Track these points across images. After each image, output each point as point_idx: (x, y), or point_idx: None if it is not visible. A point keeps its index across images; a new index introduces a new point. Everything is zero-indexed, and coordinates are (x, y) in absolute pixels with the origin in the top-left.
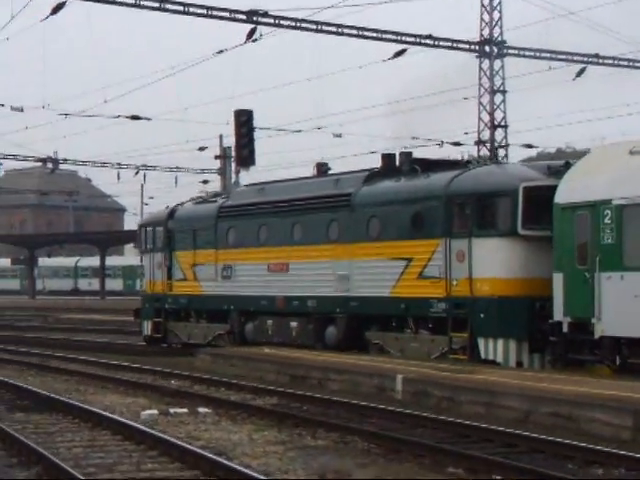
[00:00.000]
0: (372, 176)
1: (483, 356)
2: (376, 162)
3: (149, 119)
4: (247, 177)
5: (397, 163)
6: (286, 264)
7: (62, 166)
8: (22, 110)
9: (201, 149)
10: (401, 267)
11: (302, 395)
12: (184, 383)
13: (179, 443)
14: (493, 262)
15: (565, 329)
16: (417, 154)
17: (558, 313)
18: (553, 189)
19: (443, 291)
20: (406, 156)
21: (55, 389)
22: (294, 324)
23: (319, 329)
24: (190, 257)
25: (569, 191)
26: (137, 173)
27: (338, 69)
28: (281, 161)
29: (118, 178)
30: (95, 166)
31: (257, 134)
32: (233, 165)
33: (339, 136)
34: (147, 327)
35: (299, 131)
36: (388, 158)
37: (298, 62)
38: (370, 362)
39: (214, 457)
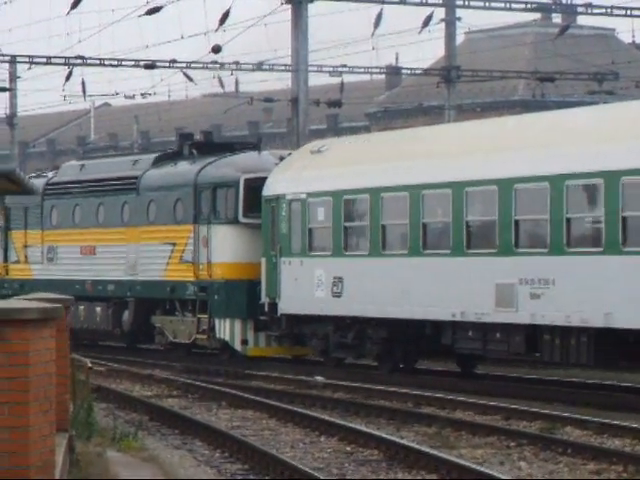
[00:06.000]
0: (160, 158)
1: (218, 335)
2: None
3: None
4: None
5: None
6: (93, 247)
7: None
8: None
9: None
10: (169, 251)
11: None
12: None
13: None
14: (223, 248)
15: (266, 309)
16: None
17: (262, 295)
18: None
19: (193, 275)
20: (205, 136)
21: None
22: (98, 309)
23: (117, 314)
24: (22, 238)
25: (270, 184)
26: None
27: None
28: None
29: None
30: None
31: None
32: None
33: None
34: None
35: None
36: (185, 138)
37: None
38: None
39: None
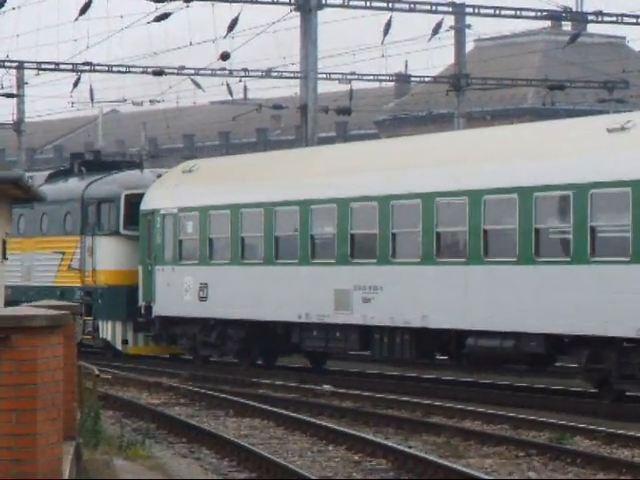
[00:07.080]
0: (53, 175)
1: (101, 336)
2: None
3: None
4: None
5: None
6: None
7: None
8: None
9: None
10: (59, 260)
11: None
12: None
13: None
14: (105, 257)
15: (143, 311)
16: None
17: (140, 298)
18: None
19: (80, 281)
20: (95, 155)
21: None
22: None
23: None
24: None
25: (147, 200)
26: None
27: None
28: None
29: None
30: None
31: None
32: None
33: None
34: None
35: None
36: (75, 157)
37: None
38: None
39: None
